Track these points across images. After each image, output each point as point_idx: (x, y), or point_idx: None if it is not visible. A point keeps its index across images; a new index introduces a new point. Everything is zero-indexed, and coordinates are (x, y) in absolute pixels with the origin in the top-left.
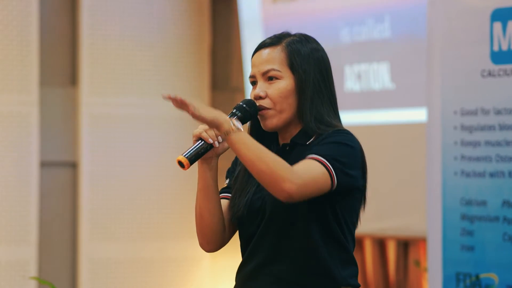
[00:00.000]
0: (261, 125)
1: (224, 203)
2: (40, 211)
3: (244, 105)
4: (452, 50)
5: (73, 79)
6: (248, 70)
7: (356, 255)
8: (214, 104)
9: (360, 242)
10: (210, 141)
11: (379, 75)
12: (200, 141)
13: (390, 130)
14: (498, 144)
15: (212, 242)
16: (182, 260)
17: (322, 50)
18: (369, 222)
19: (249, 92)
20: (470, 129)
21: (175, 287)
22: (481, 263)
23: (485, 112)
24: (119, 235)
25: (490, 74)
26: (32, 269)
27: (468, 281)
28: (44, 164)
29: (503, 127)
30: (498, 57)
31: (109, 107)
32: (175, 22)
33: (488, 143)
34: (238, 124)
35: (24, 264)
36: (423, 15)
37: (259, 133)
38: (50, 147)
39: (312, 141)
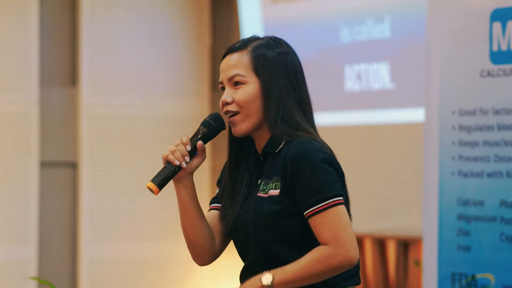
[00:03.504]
0: (232, 131)
1: (214, 214)
2: (40, 211)
3: (210, 120)
4: (452, 50)
5: (73, 79)
6: None
7: None
8: (214, 104)
9: (360, 242)
10: (177, 163)
11: (379, 75)
12: (168, 164)
13: (390, 130)
14: (496, 144)
15: (202, 257)
16: (182, 260)
17: (292, 53)
18: (369, 222)
19: None
20: (468, 129)
21: (175, 287)
22: (477, 263)
23: (484, 112)
24: (119, 235)
25: (489, 74)
26: (32, 269)
27: (464, 281)
28: (44, 164)
29: (501, 127)
30: (498, 57)
31: (109, 107)
32: (175, 22)
33: (486, 143)
34: (266, 279)
35: (24, 264)
36: (423, 15)
37: (238, 143)
38: (50, 147)
39: (281, 147)
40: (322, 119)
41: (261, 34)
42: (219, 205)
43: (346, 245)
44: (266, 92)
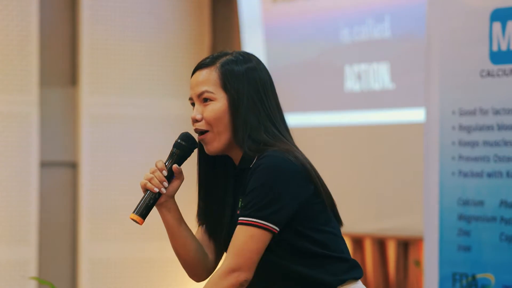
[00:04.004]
0: (205, 150)
1: (203, 230)
2: (40, 211)
3: (181, 141)
4: (451, 50)
5: (73, 79)
6: None
7: (356, 255)
8: None
9: (360, 242)
10: (156, 190)
11: (379, 75)
12: (147, 192)
13: (390, 130)
14: (496, 144)
15: (198, 274)
16: None
17: (261, 69)
18: (369, 222)
19: None
20: (468, 129)
21: (175, 287)
22: (477, 263)
23: (484, 112)
24: (119, 235)
25: (489, 74)
26: (32, 269)
27: (464, 281)
28: (44, 164)
29: (501, 127)
30: (497, 57)
31: (109, 107)
32: (175, 22)
33: (486, 143)
34: None
35: (24, 264)
36: (423, 15)
37: (209, 160)
38: (50, 147)
39: (254, 162)
40: (322, 119)
41: (261, 34)
42: (204, 225)
43: (241, 265)
44: (233, 107)
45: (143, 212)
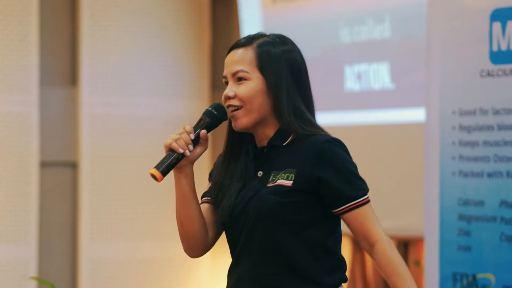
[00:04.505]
0: (232, 126)
1: (206, 207)
2: (40, 211)
3: (212, 110)
4: (451, 50)
5: (73, 79)
6: None
7: (356, 255)
8: None
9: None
10: (181, 151)
11: (379, 75)
12: (171, 151)
13: (390, 130)
14: (496, 144)
15: (195, 249)
16: (182, 260)
17: (297, 51)
18: None
19: None
20: (468, 129)
21: (175, 287)
22: (478, 263)
23: (484, 112)
24: (119, 235)
25: (489, 74)
26: (32, 269)
27: (465, 281)
28: (44, 164)
29: (501, 127)
30: (497, 57)
31: (109, 107)
32: (175, 22)
33: (486, 143)
34: None
35: (24, 264)
36: (423, 15)
37: (237, 137)
38: (50, 147)
39: (289, 141)
40: (322, 119)
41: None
42: (208, 198)
43: (383, 240)
44: (274, 89)
45: (164, 169)
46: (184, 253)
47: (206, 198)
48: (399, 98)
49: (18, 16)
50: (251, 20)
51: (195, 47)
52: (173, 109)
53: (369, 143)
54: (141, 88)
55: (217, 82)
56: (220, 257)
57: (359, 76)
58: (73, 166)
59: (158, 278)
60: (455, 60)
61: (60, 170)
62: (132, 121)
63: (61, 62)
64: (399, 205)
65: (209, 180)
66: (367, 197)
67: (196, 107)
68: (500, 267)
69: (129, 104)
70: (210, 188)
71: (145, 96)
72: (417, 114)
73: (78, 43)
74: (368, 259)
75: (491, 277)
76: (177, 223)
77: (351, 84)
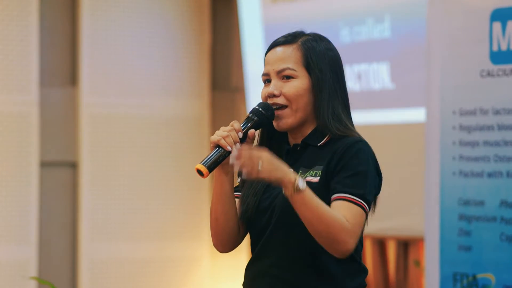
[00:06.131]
0: (275, 125)
1: (237, 202)
2: (40, 211)
3: (261, 109)
4: (452, 50)
5: (73, 79)
6: (248, 70)
7: (376, 260)
8: (214, 104)
9: None
10: (229, 148)
11: (379, 75)
12: (218, 148)
13: (390, 130)
14: (496, 144)
15: (227, 244)
16: (182, 260)
17: (335, 49)
18: (369, 222)
19: (249, 92)
20: (468, 129)
21: (174, 287)
22: (478, 263)
23: (484, 112)
24: (119, 235)
25: (489, 74)
26: (32, 269)
27: (465, 281)
28: (44, 164)
29: (501, 127)
30: (497, 57)
31: (109, 107)
32: (175, 22)
33: (486, 143)
34: (302, 184)
35: (24, 264)
36: (423, 15)
37: (269, 133)
38: (50, 147)
39: (324, 142)
40: None
41: (261, 34)
42: (240, 193)
43: (354, 236)
44: (318, 87)
45: (211, 165)
46: (184, 253)
47: (238, 193)
48: (399, 98)
49: (18, 16)
50: (251, 20)
51: (195, 47)
52: (173, 109)
53: (370, 143)
54: (141, 88)
55: (217, 82)
56: (220, 257)
57: (359, 76)
58: (73, 166)
59: (158, 278)
60: (455, 60)
61: (60, 170)
62: (132, 121)
63: (61, 62)
64: (399, 205)
65: (238, 176)
66: (363, 203)
67: (196, 107)
68: (500, 267)
69: (129, 104)
70: (239, 184)
71: (145, 96)
72: (417, 114)
73: (78, 43)
74: (368, 259)
75: (491, 277)
76: (211, 218)
77: (351, 84)
